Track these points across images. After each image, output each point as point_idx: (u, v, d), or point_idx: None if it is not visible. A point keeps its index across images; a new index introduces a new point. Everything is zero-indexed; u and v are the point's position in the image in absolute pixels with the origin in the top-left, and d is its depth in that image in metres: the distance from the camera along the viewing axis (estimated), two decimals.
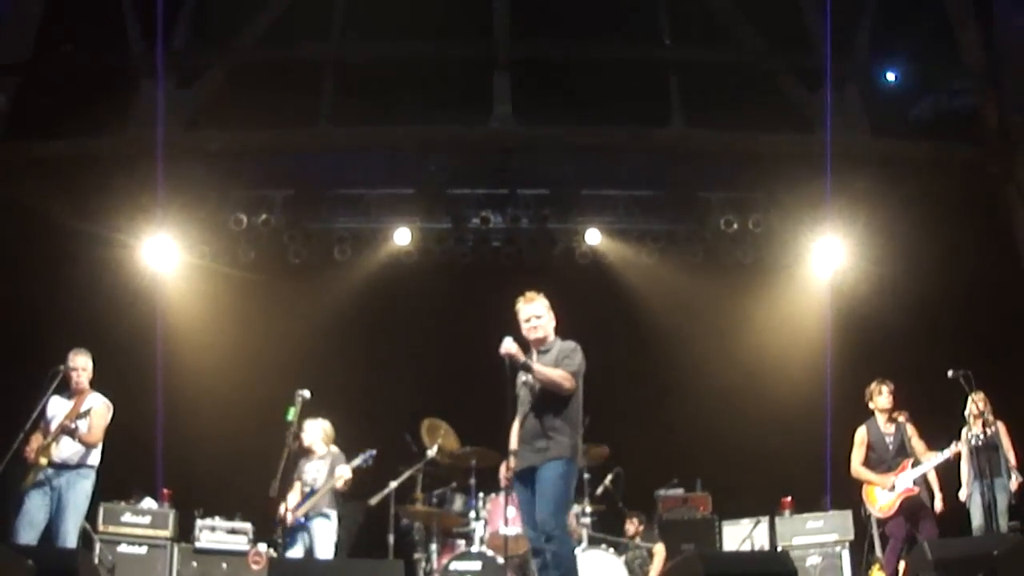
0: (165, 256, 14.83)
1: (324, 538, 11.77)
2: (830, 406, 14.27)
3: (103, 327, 13.72)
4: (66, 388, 10.72)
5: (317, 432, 12.17)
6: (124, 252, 14.71)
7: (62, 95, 14.36)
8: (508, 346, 9.02)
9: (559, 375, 9.05)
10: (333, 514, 11.97)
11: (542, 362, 9.21)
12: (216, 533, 13.03)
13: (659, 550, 13.33)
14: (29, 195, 14.00)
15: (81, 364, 10.73)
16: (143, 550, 12.86)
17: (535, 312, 9.36)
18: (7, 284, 13.84)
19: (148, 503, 13.16)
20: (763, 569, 8.89)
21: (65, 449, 10.46)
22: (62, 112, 14.15)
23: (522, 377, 9.24)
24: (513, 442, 9.27)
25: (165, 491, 13.31)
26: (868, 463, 12.02)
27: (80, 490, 10.52)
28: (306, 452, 12.10)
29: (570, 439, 9.08)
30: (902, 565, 11.29)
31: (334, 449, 12.30)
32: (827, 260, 15.20)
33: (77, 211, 14.22)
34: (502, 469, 9.38)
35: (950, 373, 11.34)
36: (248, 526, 13.12)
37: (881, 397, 12.07)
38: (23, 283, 14.04)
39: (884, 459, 11.95)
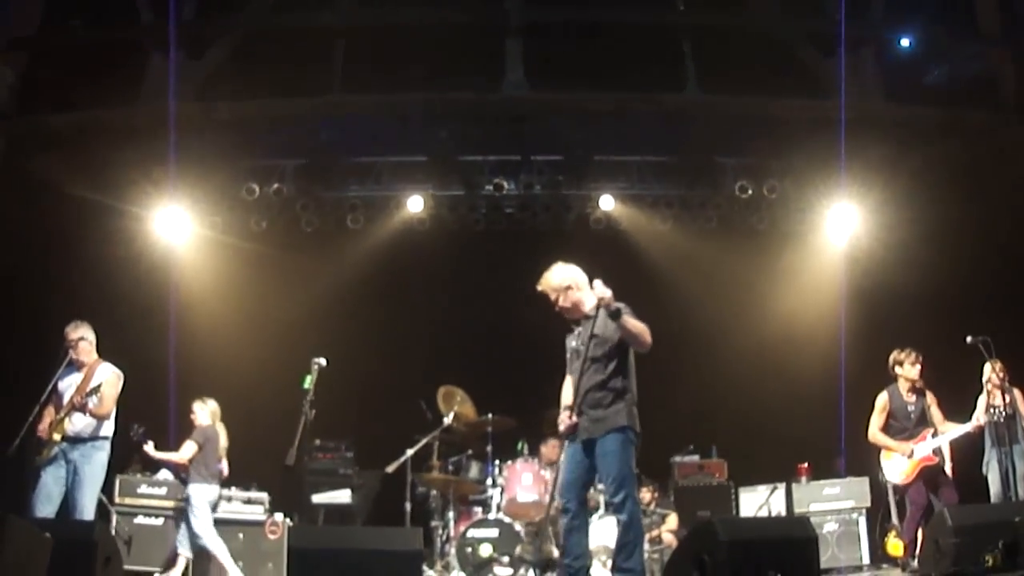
0: (177, 227, 14.79)
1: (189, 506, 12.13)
2: (844, 372, 14.22)
3: (116, 298, 13.81)
4: (74, 363, 10.70)
5: (199, 412, 12.40)
6: (136, 223, 14.71)
7: (72, 68, 14.26)
8: (602, 290, 8.74)
9: (644, 327, 8.91)
10: (191, 487, 12.17)
11: (584, 332, 9.01)
12: (232, 503, 12.99)
13: (671, 519, 13.33)
14: (41, 168, 13.97)
15: (78, 336, 10.68)
16: (160, 521, 12.86)
17: (550, 297, 9.19)
18: (20, 256, 13.84)
19: (164, 474, 13.15)
20: (783, 534, 8.82)
21: (78, 423, 10.46)
22: (72, 85, 14.07)
23: (572, 344, 9.13)
24: (567, 397, 9.07)
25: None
26: (888, 430, 11.93)
27: (95, 462, 10.52)
28: None
29: (626, 405, 9.01)
30: (920, 533, 11.27)
31: (218, 428, 12.54)
32: (842, 226, 15.14)
33: (89, 183, 14.19)
34: (564, 417, 8.98)
35: (968, 339, 11.21)
36: (264, 496, 13.10)
37: (914, 368, 11.92)
38: (35, 255, 14.05)
39: (905, 427, 11.85)
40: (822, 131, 14.19)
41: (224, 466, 12.50)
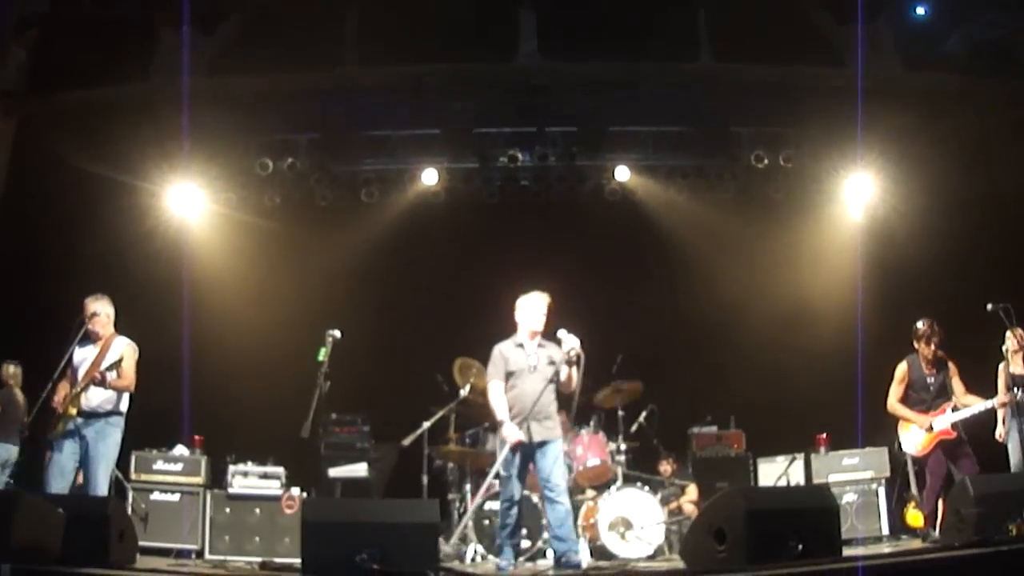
0: (191, 203, 14.72)
1: None
2: (861, 342, 13.99)
3: (130, 275, 13.63)
4: (89, 337, 10.55)
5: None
6: (150, 200, 14.60)
7: (83, 45, 14.08)
8: (574, 341, 10.31)
9: (578, 380, 10.44)
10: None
11: (540, 355, 10.50)
12: (249, 478, 12.94)
13: (691, 490, 13.23)
14: (53, 145, 13.78)
15: (97, 310, 10.54)
16: (176, 497, 12.82)
17: (542, 311, 10.60)
18: (33, 234, 13.82)
19: (180, 450, 13.06)
20: (804, 504, 8.65)
21: (94, 397, 10.31)
22: (83, 62, 13.88)
23: (524, 360, 10.44)
24: (506, 410, 10.32)
25: (196, 438, 13.21)
26: (906, 401, 11.71)
27: (110, 439, 10.37)
28: None
29: None
30: (941, 503, 11.09)
31: (17, 392, 12.82)
32: (859, 196, 14.97)
33: (102, 160, 14.07)
34: (515, 429, 10.20)
35: (989, 306, 11.00)
36: (281, 470, 13.04)
37: (929, 348, 11.68)
38: (49, 233, 13.99)
39: (924, 399, 11.62)
40: (838, 100, 13.97)
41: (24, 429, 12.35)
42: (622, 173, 15.03)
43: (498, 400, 10.42)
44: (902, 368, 11.75)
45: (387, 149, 15.08)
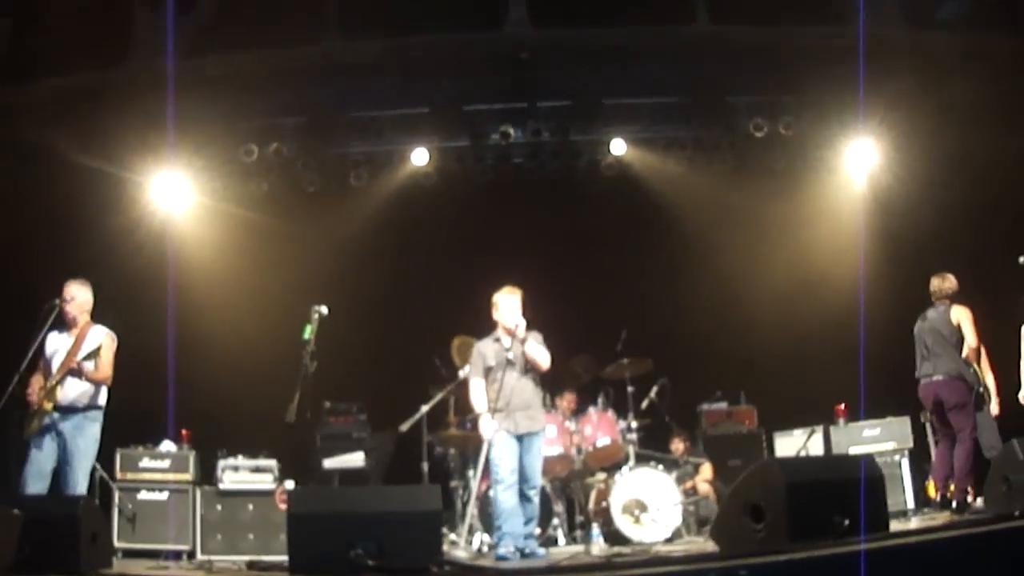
0: (176, 193, 13.70)
1: None
2: (863, 311, 12.91)
3: (114, 267, 12.62)
4: (64, 323, 9.45)
5: None
6: (134, 191, 13.57)
7: (58, 30, 13.00)
8: (520, 320, 10.18)
9: (546, 354, 10.26)
10: None
11: (516, 348, 10.21)
12: (240, 473, 11.96)
13: (706, 469, 12.26)
14: (33, 134, 12.73)
15: (73, 295, 9.41)
16: (164, 495, 11.83)
17: (518, 305, 10.33)
18: (13, 226, 12.65)
19: (167, 446, 11.92)
20: (849, 475, 7.45)
21: (71, 391, 9.23)
22: (60, 48, 12.83)
23: (502, 354, 10.16)
24: (485, 404, 10.09)
25: (184, 432, 12.08)
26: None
27: (89, 434, 9.30)
28: None
29: None
30: None
31: None
32: (862, 163, 13.93)
33: (83, 150, 12.95)
34: (488, 426, 9.96)
35: (1022, 259, 10.11)
36: (273, 463, 12.05)
37: None
38: (30, 225, 12.86)
39: None
40: (839, 63, 12.86)
41: None
42: (618, 147, 13.93)
43: (477, 395, 10.26)
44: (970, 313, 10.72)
45: (375, 130, 13.93)
